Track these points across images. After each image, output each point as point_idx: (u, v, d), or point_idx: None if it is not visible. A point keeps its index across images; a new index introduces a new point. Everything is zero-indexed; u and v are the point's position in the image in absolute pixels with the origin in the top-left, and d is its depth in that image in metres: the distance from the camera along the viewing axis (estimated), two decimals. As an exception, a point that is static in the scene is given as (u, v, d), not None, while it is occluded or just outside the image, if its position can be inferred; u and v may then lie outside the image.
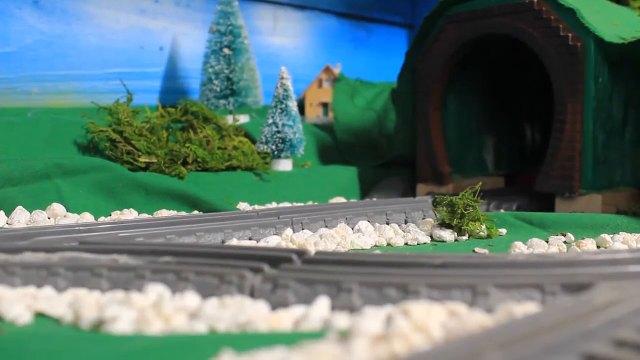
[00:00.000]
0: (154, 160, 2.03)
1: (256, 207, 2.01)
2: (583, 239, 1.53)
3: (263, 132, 2.34)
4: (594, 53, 1.88)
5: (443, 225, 1.66)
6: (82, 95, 2.51)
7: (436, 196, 1.69)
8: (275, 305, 0.89)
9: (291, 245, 1.44)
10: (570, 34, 1.91)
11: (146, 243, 1.24)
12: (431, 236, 1.64)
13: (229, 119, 2.45)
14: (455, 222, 1.63)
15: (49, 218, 1.65)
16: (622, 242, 1.50)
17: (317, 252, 1.03)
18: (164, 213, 1.81)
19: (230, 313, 0.81)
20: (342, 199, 2.28)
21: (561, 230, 1.69)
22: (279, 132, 2.31)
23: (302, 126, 2.39)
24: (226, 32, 2.54)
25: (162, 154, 2.05)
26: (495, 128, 2.58)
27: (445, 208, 1.65)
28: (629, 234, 1.58)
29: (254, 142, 2.40)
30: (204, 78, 2.60)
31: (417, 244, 1.58)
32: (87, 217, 1.70)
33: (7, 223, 1.59)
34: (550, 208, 1.98)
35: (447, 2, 2.23)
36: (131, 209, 1.81)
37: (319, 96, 3.18)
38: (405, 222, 1.80)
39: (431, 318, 0.74)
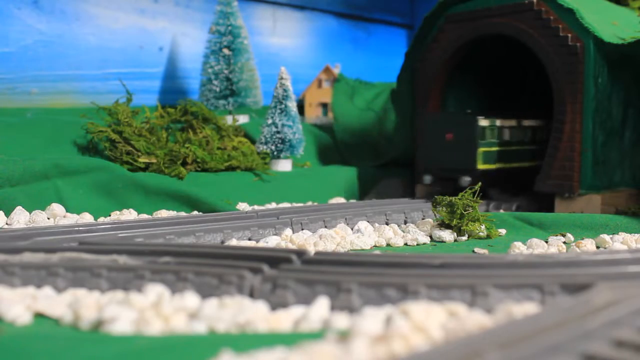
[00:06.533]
0: (154, 160, 2.03)
1: (255, 207, 2.01)
2: (582, 239, 1.53)
3: (262, 133, 2.34)
4: (593, 53, 1.88)
5: (442, 225, 1.66)
6: (81, 95, 2.51)
7: (436, 196, 1.69)
8: (274, 306, 0.89)
9: (291, 246, 1.44)
10: (569, 34, 1.91)
11: (146, 243, 1.24)
12: (431, 236, 1.64)
13: (229, 120, 2.45)
14: (454, 222, 1.63)
15: (48, 218, 1.65)
16: (622, 242, 1.50)
17: (317, 253, 1.03)
18: (163, 213, 1.81)
19: (230, 313, 0.81)
20: (341, 200, 2.28)
21: (560, 230, 1.69)
22: (278, 132, 2.31)
23: (301, 126, 2.39)
24: (226, 32, 2.54)
25: (162, 154, 2.05)
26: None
27: (444, 208, 1.65)
28: (628, 234, 1.58)
29: (253, 142, 2.40)
30: (204, 78, 2.59)
31: (417, 245, 1.58)
32: (87, 218, 1.70)
33: (6, 223, 1.58)
34: (550, 208, 1.98)
35: (446, 2, 2.23)
36: (130, 210, 1.81)
37: (318, 96, 3.17)
38: (405, 223, 1.80)
39: (431, 318, 0.74)
